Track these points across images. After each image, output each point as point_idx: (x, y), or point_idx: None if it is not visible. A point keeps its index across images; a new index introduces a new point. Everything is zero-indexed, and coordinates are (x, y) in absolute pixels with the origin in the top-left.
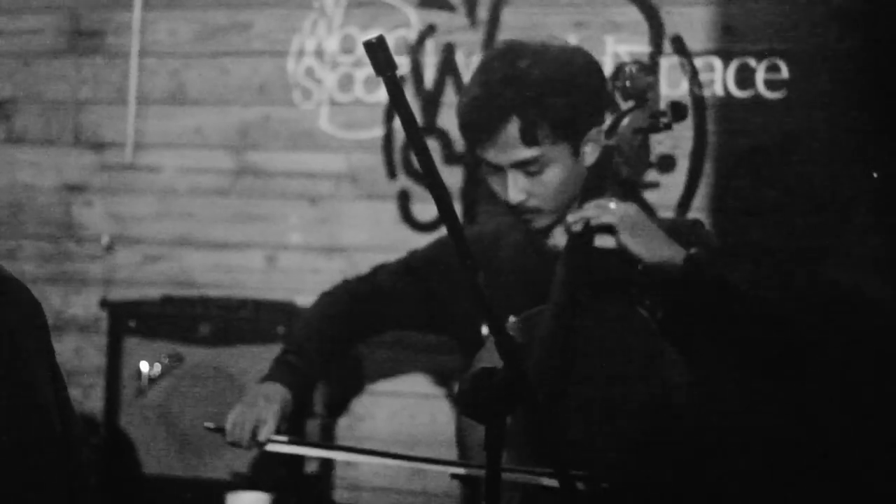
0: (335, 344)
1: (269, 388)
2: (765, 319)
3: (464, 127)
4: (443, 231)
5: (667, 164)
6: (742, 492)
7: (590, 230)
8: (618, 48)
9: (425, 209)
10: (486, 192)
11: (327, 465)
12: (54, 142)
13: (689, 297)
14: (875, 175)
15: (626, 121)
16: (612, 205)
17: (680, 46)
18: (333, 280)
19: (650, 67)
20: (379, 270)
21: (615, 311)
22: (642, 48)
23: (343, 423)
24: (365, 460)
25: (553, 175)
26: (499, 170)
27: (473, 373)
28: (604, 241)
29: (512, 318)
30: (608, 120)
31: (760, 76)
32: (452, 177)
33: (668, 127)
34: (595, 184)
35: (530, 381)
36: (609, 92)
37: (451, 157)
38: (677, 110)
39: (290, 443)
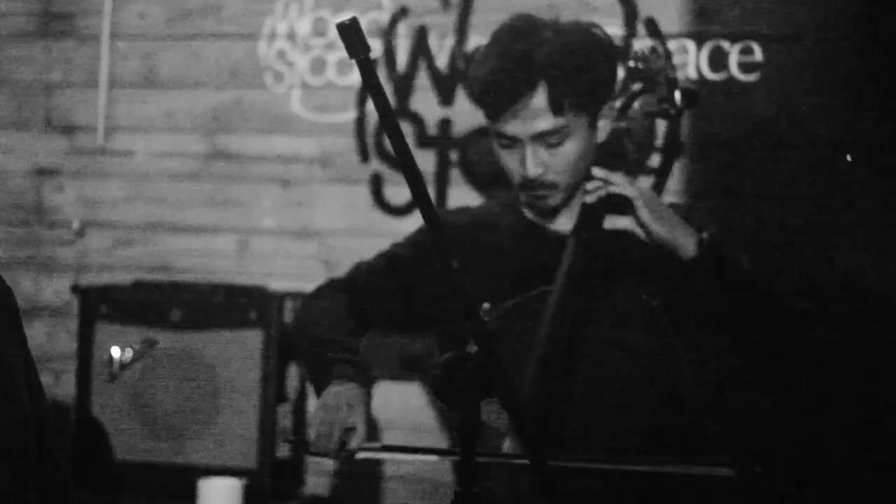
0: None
1: (346, 390)
2: (771, 303)
3: (484, 98)
4: (416, 215)
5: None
6: (743, 485)
7: (605, 204)
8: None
9: (398, 193)
10: (461, 175)
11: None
12: (25, 125)
13: (700, 280)
14: (849, 158)
15: (637, 104)
16: (626, 183)
17: (653, 29)
18: (306, 264)
19: (664, 52)
20: (358, 268)
21: (621, 298)
22: (616, 30)
23: (314, 407)
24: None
25: (571, 147)
26: (515, 144)
27: (446, 358)
28: (615, 222)
29: (486, 305)
30: (619, 102)
31: (734, 59)
32: (425, 160)
33: (679, 114)
34: (608, 166)
35: (505, 367)
36: (617, 68)
37: (424, 140)
38: (688, 97)
39: (383, 449)
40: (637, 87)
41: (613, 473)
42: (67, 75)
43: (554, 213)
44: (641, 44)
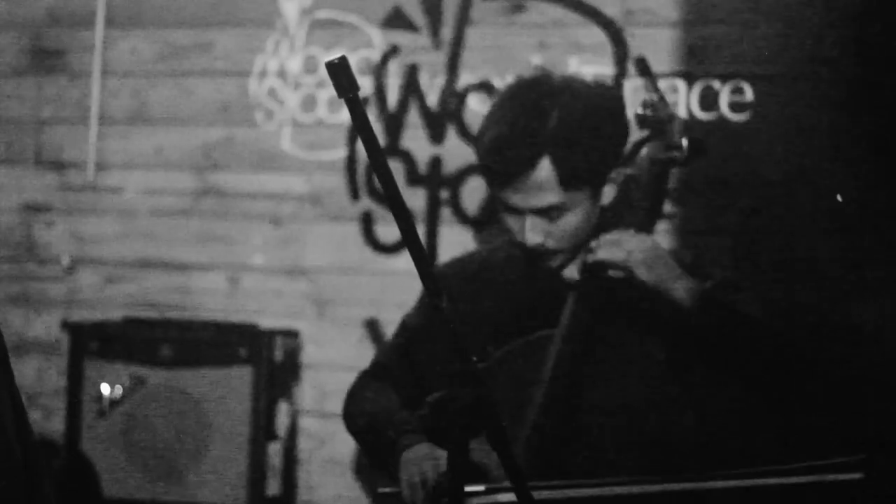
0: None
1: (426, 447)
2: (776, 349)
3: (486, 168)
4: (406, 255)
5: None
6: None
7: (605, 264)
8: (582, 69)
9: (389, 231)
10: (452, 213)
11: (290, 485)
12: (15, 161)
13: (701, 331)
14: (840, 198)
15: (644, 151)
16: (626, 240)
17: (644, 68)
18: (297, 303)
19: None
20: (381, 352)
21: (624, 345)
22: (606, 69)
23: (304, 445)
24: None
25: (572, 220)
26: (516, 211)
27: (436, 397)
28: (617, 272)
29: (489, 349)
30: (627, 149)
31: (724, 98)
32: (415, 198)
33: (686, 162)
34: (613, 214)
35: (494, 406)
36: (629, 128)
37: (414, 179)
38: (695, 146)
39: (487, 492)
40: (644, 133)
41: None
42: (58, 111)
43: (560, 269)
44: (633, 87)
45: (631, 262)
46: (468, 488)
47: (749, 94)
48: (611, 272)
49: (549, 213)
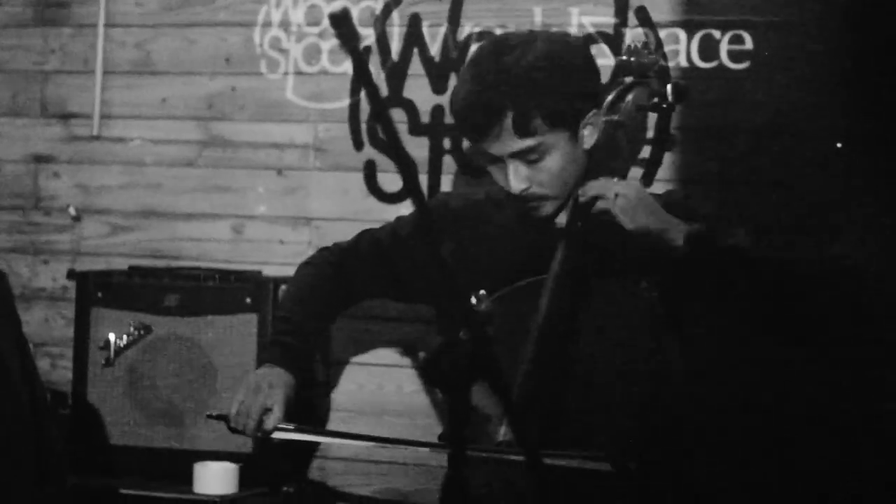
0: (324, 318)
1: (271, 372)
2: (777, 282)
3: (460, 123)
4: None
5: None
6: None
7: (592, 211)
8: (582, 19)
9: (392, 180)
10: (454, 162)
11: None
12: (21, 113)
13: (694, 272)
14: (839, 146)
15: (629, 97)
16: (610, 186)
17: (644, 17)
18: (301, 251)
19: (656, 46)
20: (362, 237)
21: (616, 290)
22: (607, 19)
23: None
24: (380, 446)
25: (553, 161)
26: (499, 160)
27: (437, 343)
28: (604, 216)
29: (482, 292)
30: (611, 95)
31: (724, 47)
32: (419, 147)
33: (670, 108)
34: (601, 160)
35: (494, 353)
36: (599, 74)
37: (416, 128)
38: (678, 92)
39: (297, 430)
40: (628, 80)
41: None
42: (63, 63)
43: (552, 217)
44: (633, 36)
45: (615, 209)
46: (281, 426)
47: (749, 42)
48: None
49: (528, 156)
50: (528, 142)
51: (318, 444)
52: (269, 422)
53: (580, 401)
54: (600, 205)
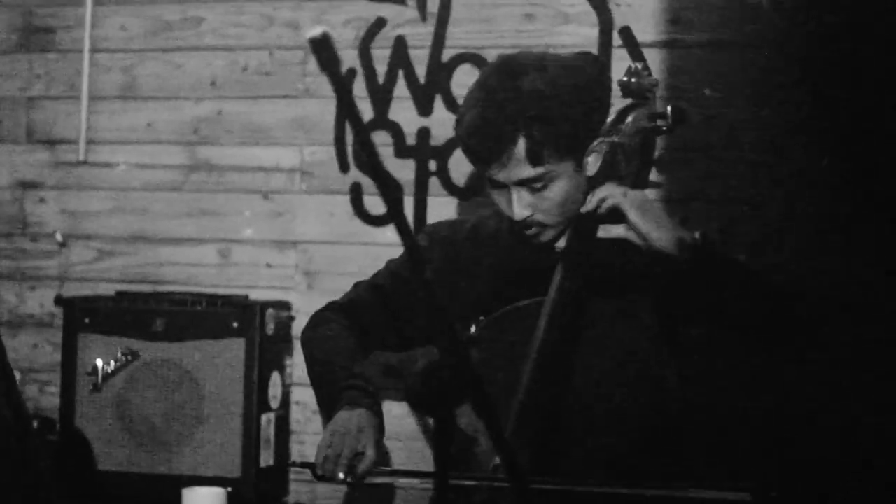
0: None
1: (356, 414)
2: (772, 299)
3: (467, 148)
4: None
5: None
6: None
7: (597, 214)
8: (566, 40)
9: (378, 203)
10: (440, 184)
11: (282, 458)
12: (7, 138)
13: (695, 279)
14: (825, 162)
15: (629, 118)
16: (617, 189)
17: (628, 38)
18: (287, 274)
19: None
20: (358, 289)
21: (614, 310)
22: (592, 40)
23: (297, 416)
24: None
25: (557, 190)
26: (502, 186)
27: (422, 366)
28: (609, 230)
29: (482, 318)
30: (611, 117)
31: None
32: (404, 169)
33: (670, 130)
34: (600, 183)
35: (477, 375)
36: (610, 96)
37: (402, 151)
38: (678, 114)
39: (392, 473)
40: (628, 101)
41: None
42: (49, 88)
43: (551, 244)
44: (618, 56)
45: (624, 205)
46: (375, 470)
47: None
48: (601, 228)
49: (533, 184)
50: (536, 171)
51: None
52: (363, 465)
53: (578, 422)
54: (610, 202)
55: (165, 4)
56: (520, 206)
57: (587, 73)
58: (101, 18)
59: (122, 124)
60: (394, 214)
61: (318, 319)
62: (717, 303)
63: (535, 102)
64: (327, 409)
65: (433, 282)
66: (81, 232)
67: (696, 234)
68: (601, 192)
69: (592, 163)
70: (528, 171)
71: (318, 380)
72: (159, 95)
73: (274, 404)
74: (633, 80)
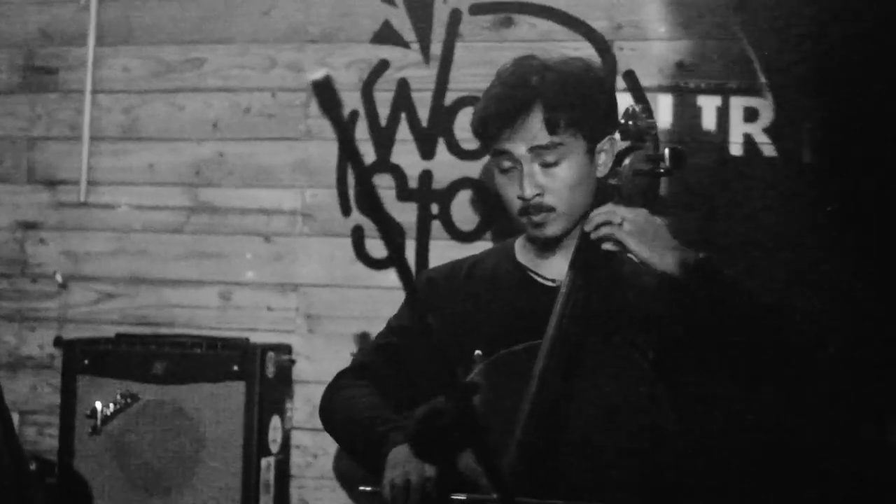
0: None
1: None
2: (774, 322)
3: (484, 121)
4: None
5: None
6: None
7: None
8: None
9: (380, 246)
10: (442, 227)
11: (282, 500)
12: (8, 179)
13: (698, 301)
14: (829, 209)
15: (627, 161)
16: (619, 211)
17: (632, 82)
18: (288, 317)
19: (650, 111)
20: (364, 350)
21: (610, 350)
22: None
23: (297, 460)
24: None
25: (568, 169)
26: (512, 169)
27: (423, 412)
28: (611, 246)
29: (478, 352)
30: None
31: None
32: (406, 212)
33: (667, 173)
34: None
35: (478, 421)
36: (616, 103)
37: (404, 194)
38: (676, 157)
39: (469, 500)
40: (626, 144)
41: None
42: (50, 129)
43: (553, 244)
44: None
45: (621, 233)
46: (453, 496)
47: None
48: (603, 246)
49: (546, 155)
50: (552, 138)
51: None
52: (434, 489)
53: (576, 462)
54: (605, 230)
55: (167, 45)
56: (530, 183)
57: (595, 68)
58: (103, 59)
59: (124, 165)
60: (395, 258)
61: (333, 390)
62: (719, 325)
63: (552, 78)
64: (373, 458)
65: (434, 325)
66: (82, 273)
67: (700, 255)
68: (600, 216)
69: (602, 164)
70: (543, 138)
71: (353, 436)
72: (161, 137)
73: (274, 448)
74: (629, 122)
